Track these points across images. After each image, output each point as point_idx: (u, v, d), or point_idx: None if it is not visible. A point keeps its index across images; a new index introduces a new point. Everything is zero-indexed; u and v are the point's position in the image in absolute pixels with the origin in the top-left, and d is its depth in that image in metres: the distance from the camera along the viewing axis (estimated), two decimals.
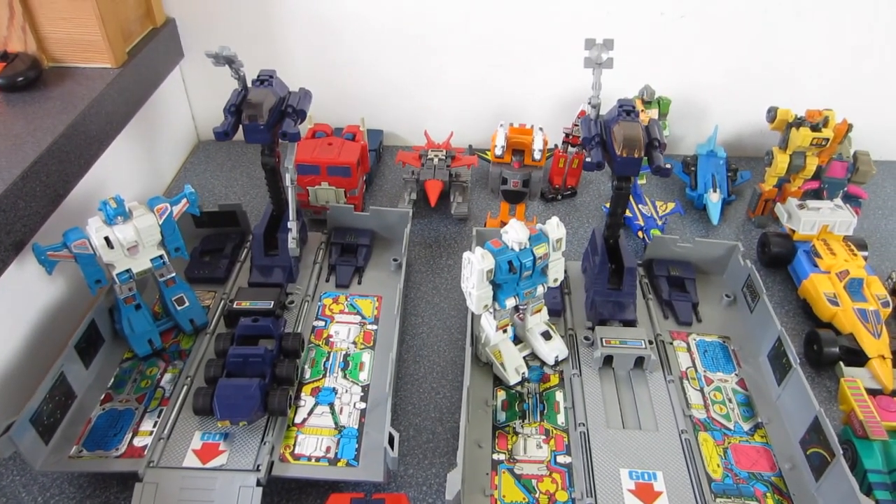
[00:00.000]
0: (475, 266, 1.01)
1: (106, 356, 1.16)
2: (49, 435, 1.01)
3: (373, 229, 1.43)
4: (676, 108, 1.69)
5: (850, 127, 1.50)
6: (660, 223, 1.48)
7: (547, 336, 1.18)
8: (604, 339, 1.16)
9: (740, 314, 1.28)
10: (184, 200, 1.19)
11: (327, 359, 1.17)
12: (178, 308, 1.18)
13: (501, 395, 1.13)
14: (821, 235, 1.38)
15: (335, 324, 1.24)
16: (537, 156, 1.33)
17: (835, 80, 1.67)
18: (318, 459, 1.00)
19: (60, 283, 1.23)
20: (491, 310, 1.09)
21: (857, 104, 1.56)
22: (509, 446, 1.04)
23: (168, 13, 1.62)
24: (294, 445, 1.02)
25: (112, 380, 1.13)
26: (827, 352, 1.19)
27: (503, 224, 1.30)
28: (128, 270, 1.11)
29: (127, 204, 1.10)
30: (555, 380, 1.16)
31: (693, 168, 1.64)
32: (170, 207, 1.15)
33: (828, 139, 1.41)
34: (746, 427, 1.08)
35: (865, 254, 1.35)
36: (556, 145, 1.64)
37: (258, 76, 1.21)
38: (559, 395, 1.13)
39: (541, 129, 1.36)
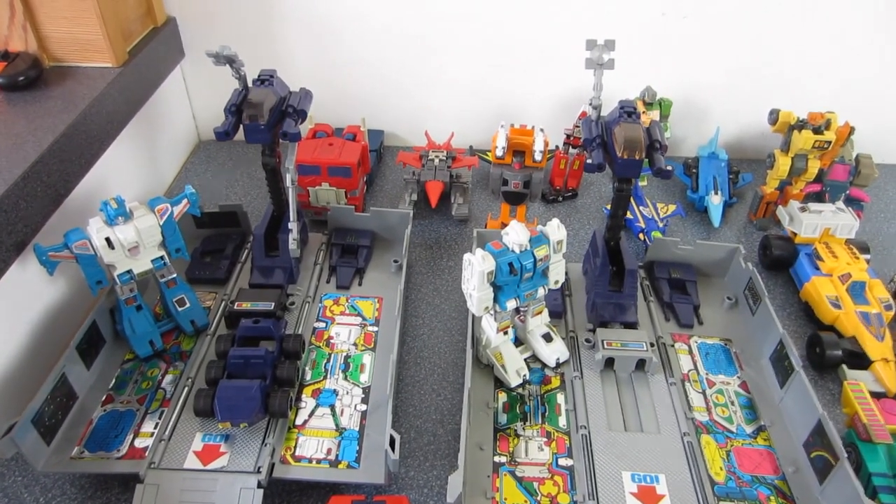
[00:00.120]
0: (476, 268, 1.01)
1: (107, 357, 1.16)
2: (51, 436, 1.00)
3: (373, 230, 1.43)
4: (678, 110, 1.69)
5: (852, 130, 1.50)
6: (661, 225, 1.48)
7: (548, 338, 1.18)
8: (605, 342, 1.15)
9: (742, 317, 1.28)
10: (184, 201, 1.18)
11: (328, 360, 1.17)
12: (179, 309, 1.18)
13: (503, 397, 1.13)
14: (822, 238, 1.37)
15: (336, 325, 1.24)
16: (538, 157, 1.33)
17: (837, 83, 1.67)
18: (318, 461, 1.00)
19: (61, 284, 1.23)
20: (492, 311, 1.09)
21: (860, 107, 1.56)
22: (511, 449, 1.04)
23: (169, 12, 1.61)
24: (295, 447, 1.02)
25: (113, 381, 1.13)
26: (829, 354, 1.19)
27: (504, 225, 1.29)
28: (129, 271, 1.11)
29: (128, 204, 1.10)
30: (556, 382, 1.15)
31: (694, 170, 1.64)
32: (170, 208, 1.14)
33: (830, 142, 1.41)
34: (749, 430, 1.08)
35: (868, 257, 1.35)
36: (556, 146, 1.64)
37: (259, 76, 1.21)
38: (560, 398, 1.13)
39: (542, 130, 1.36)
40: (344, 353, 1.18)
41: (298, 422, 1.06)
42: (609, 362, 1.16)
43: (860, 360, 1.18)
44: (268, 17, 1.64)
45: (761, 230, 1.57)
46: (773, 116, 1.49)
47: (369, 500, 0.89)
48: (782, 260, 1.41)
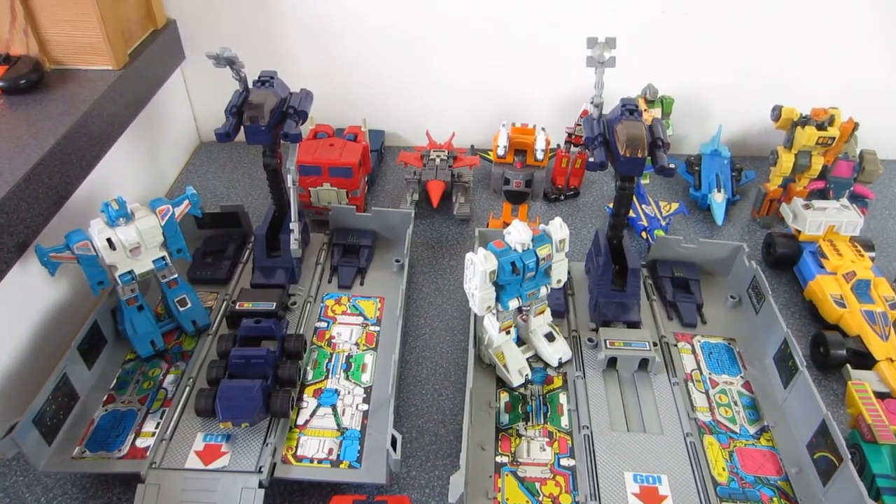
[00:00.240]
0: (478, 267, 1.00)
1: (108, 357, 1.16)
2: (52, 436, 1.01)
3: (375, 230, 1.43)
4: (680, 107, 1.68)
5: (856, 126, 1.49)
6: (663, 224, 1.47)
7: (550, 338, 1.17)
8: (607, 341, 1.15)
9: (745, 316, 1.27)
10: (186, 202, 1.18)
11: (329, 360, 1.17)
12: (181, 309, 1.18)
13: (504, 397, 1.12)
14: (827, 236, 1.37)
15: (337, 325, 1.24)
16: (540, 156, 1.32)
17: (841, 78, 1.66)
18: (320, 461, 1.00)
19: (63, 285, 1.23)
20: (494, 311, 1.09)
21: (864, 102, 1.55)
22: (513, 449, 1.04)
23: (169, 15, 1.61)
24: (296, 447, 1.02)
25: (115, 381, 1.13)
26: (834, 354, 1.18)
27: (506, 225, 1.29)
28: (130, 272, 1.11)
29: (129, 205, 1.10)
30: (558, 382, 1.15)
31: (697, 168, 1.63)
32: (172, 209, 1.14)
33: (833, 138, 1.40)
34: (752, 430, 1.08)
35: (872, 255, 1.34)
36: (558, 145, 1.64)
37: (259, 77, 1.21)
38: (563, 398, 1.12)
39: (543, 128, 1.35)
40: (345, 353, 1.18)
41: (300, 422, 1.06)
42: (612, 362, 1.15)
43: (865, 360, 1.17)
44: (268, 19, 1.64)
45: (765, 228, 1.56)
46: (776, 113, 1.48)
47: (371, 499, 0.89)
48: (786, 258, 1.40)
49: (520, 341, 1.19)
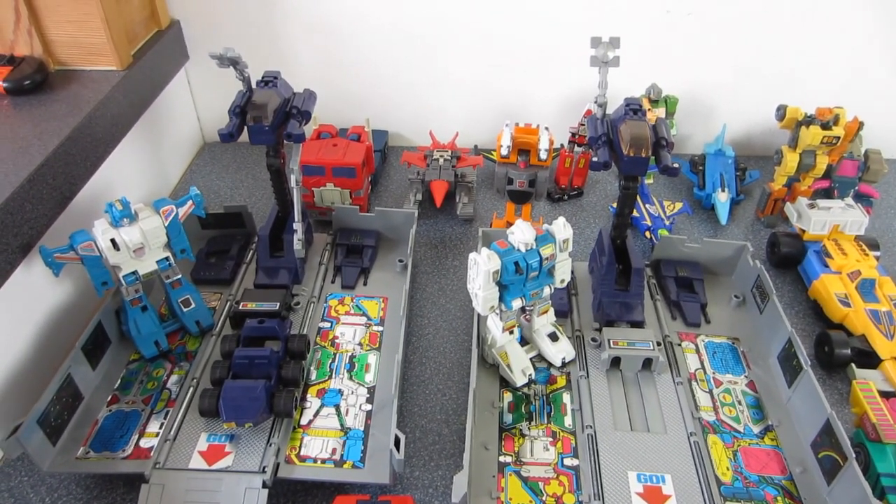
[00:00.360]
0: (481, 267, 1.00)
1: (112, 358, 1.16)
2: (56, 436, 1.01)
3: (378, 230, 1.43)
4: (684, 107, 1.68)
5: (861, 125, 1.48)
6: (667, 223, 1.47)
7: (554, 337, 1.17)
8: (611, 341, 1.15)
9: (749, 315, 1.27)
10: (189, 202, 1.19)
11: (333, 360, 1.17)
12: (185, 309, 1.18)
13: (508, 396, 1.12)
14: (831, 235, 1.36)
15: (341, 325, 1.24)
16: (543, 156, 1.33)
17: (845, 78, 1.66)
18: (323, 461, 1.00)
19: (67, 286, 1.23)
20: (497, 311, 1.09)
21: (869, 101, 1.54)
22: (516, 448, 1.04)
23: (173, 15, 1.62)
24: (300, 447, 1.02)
25: (119, 381, 1.13)
26: (838, 353, 1.18)
27: (509, 224, 1.29)
28: (134, 272, 1.11)
29: (133, 206, 1.10)
30: (562, 381, 1.15)
31: (701, 167, 1.63)
32: (175, 209, 1.15)
33: (838, 137, 1.40)
34: (756, 430, 1.07)
35: (877, 254, 1.34)
36: (561, 145, 1.64)
37: (263, 77, 1.21)
38: (566, 397, 1.12)
39: (546, 128, 1.36)
40: (349, 353, 1.18)
41: (303, 422, 1.06)
42: (615, 361, 1.15)
43: (869, 359, 1.16)
44: (271, 19, 1.64)
45: (769, 227, 1.56)
46: (781, 112, 1.48)
47: (374, 499, 0.89)
48: (790, 257, 1.40)
49: (523, 341, 1.19)
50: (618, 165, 1.12)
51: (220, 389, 1.02)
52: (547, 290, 1.10)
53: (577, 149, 1.62)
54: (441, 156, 1.58)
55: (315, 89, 1.27)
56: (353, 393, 1.11)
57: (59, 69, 1.36)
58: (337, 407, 1.09)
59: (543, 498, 0.97)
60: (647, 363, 1.15)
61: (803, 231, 1.39)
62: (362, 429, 1.05)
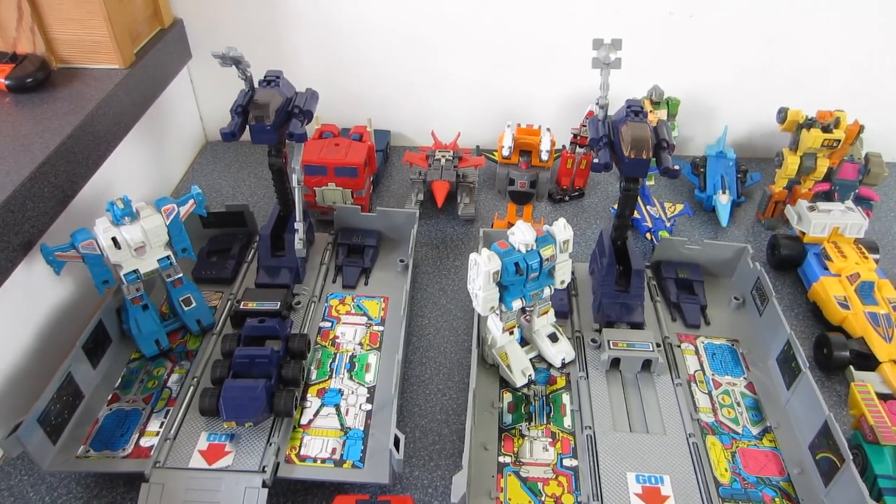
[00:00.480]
0: (481, 268, 1.01)
1: (113, 356, 1.16)
2: (56, 435, 1.01)
3: (379, 230, 1.43)
4: (685, 109, 1.68)
5: (861, 128, 1.48)
6: (668, 225, 1.47)
7: (554, 338, 1.17)
8: (611, 342, 1.15)
9: (749, 317, 1.27)
10: (191, 201, 1.19)
11: (333, 360, 1.17)
12: (185, 308, 1.19)
13: (508, 397, 1.12)
14: (831, 238, 1.36)
15: (341, 325, 1.24)
16: (545, 157, 1.33)
17: (846, 81, 1.66)
18: (323, 461, 1.00)
19: (68, 284, 1.23)
20: (497, 311, 1.09)
21: (869, 105, 1.54)
22: (515, 449, 1.04)
23: (176, 14, 1.62)
24: (300, 447, 1.02)
25: (119, 380, 1.13)
26: (837, 356, 1.18)
27: (510, 225, 1.29)
28: (135, 271, 1.12)
29: (134, 204, 1.10)
30: (561, 382, 1.15)
31: (702, 169, 1.63)
32: (177, 208, 1.15)
33: (839, 140, 1.40)
34: (755, 431, 1.07)
35: (877, 257, 1.34)
36: (563, 146, 1.64)
37: (265, 77, 1.21)
38: (566, 398, 1.12)
39: (548, 129, 1.35)
40: (349, 353, 1.19)
41: (303, 421, 1.06)
42: (615, 363, 1.15)
43: (868, 362, 1.16)
44: (274, 18, 1.64)
45: (769, 230, 1.56)
46: (782, 115, 1.48)
47: (374, 499, 0.89)
48: (790, 260, 1.40)
49: (523, 342, 1.19)
50: (619, 167, 1.12)
51: (220, 389, 1.02)
52: (547, 291, 1.11)
53: (578, 150, 1.62)
54: (443, 156, 1.58)
55: (317, 89, 1.27)
56: (353, 393, 1.11)
57: (62, 67, 1.37)
58: (337, 407, 1.09)
59: (542, 498, 0.97)
60: (647, 364, 1.15)
61: (803, 233, 1.39)
62: (362, 428, 1.05)
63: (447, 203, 1.53)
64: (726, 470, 1.01)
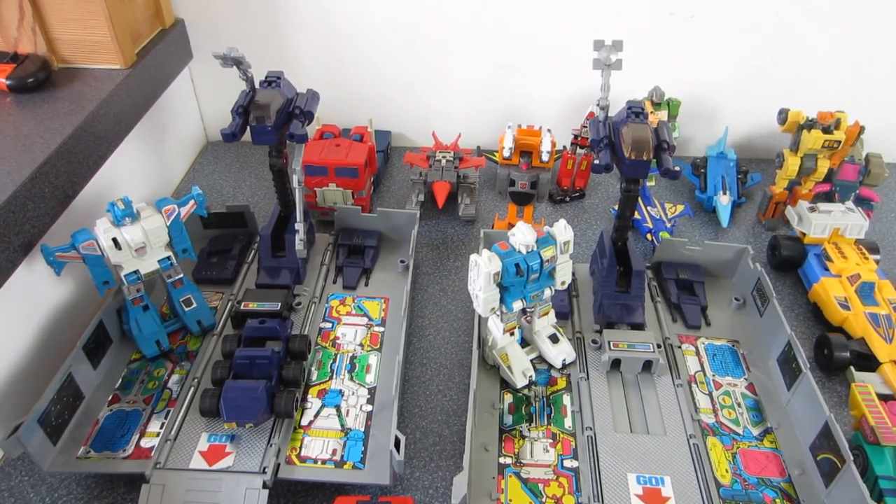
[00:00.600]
0: (482, 269, 1.01)
1: (114, 357, 1.16)
2: (57, 436, 1.01)
3: (380, 231, 1.43)
4: (686, 110, 1.68)
5: (862, 129, 1.48)
6: (669, 225, 1.47)
7: (554, 339, 1.17)
8: (612, 343, 1.15)
9: (750, 318, 1.27)
10: (191, 202, 1.19)
11: (334, 361, 1.17)
12: (186, 309, 1.19)
13: (508, 398, 1.12)
14: (832, 239, 1.36)
15: (342, 325, 1.24)
16: (545, 157, 1.33)
17: (847, 82, 1.66)
18: (324, 462, 1.00)
19: (69, 284, 1.23)
20: (498, 312, 1.09)
21: (870, 106, 1.54)
22: (516, 450, 1.04)
23: (177, 14, 1.62)
24: (300, 448, 1.02)
25: (120, 381, 1.13)
26: (838, 356, 1.18)
27: (511, 226, 1.29)
28: (136, 271, 1.12)
29: (135, 205, 1.10)
30: (562, 383, 1.15)
31: (703, 170, 1.63)
32: (177, 209, 1.15)
33: (839, 141, 1.40)
34: (756, 432, 1.07)
35: (877, 257, 1.34)
36: (564, 147, 1.64)
37: (266, 77, 1.21)
38: (566, 399, 1.12)
39: (549, 130, 1.35)
40: (350, 354, 1.18)
41: (304, 422, 1.06)
42: (615, 363, 1.15)
43: (868, 362, 1.16)
44: (275, 19, 1.64)
45: (770, 230, 1.56)
46: (782, 116, 1.48)
47: (374, 500, 0.89)
48: (791, 260, 1.40)
49: (524, 342, 1.19)
50: (619, 168, 1.12)
51: (220, 389, 1.02)
52: (548, 292, 1.11)
53: (579, 151, 1.62)
54: (443, 157, 1.59)
55: (318, 89, 1.27)
56: (353, 394, 1.11)
57: (63, 67, 1.37)
58: (337, 407, 1.09)
59: (543, 499, 0.97)
60: (648, 365, 1.15)
61: (804, 234, 1.39)
62: (363, 430, 1.05)
63: (448, 204, 1.53)
64: (727, 471, 1.01)
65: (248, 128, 1.17)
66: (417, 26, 1.64)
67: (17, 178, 1.05)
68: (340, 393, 1.11)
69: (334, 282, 1.35)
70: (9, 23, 1.28)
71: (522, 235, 1.02)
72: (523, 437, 1.06)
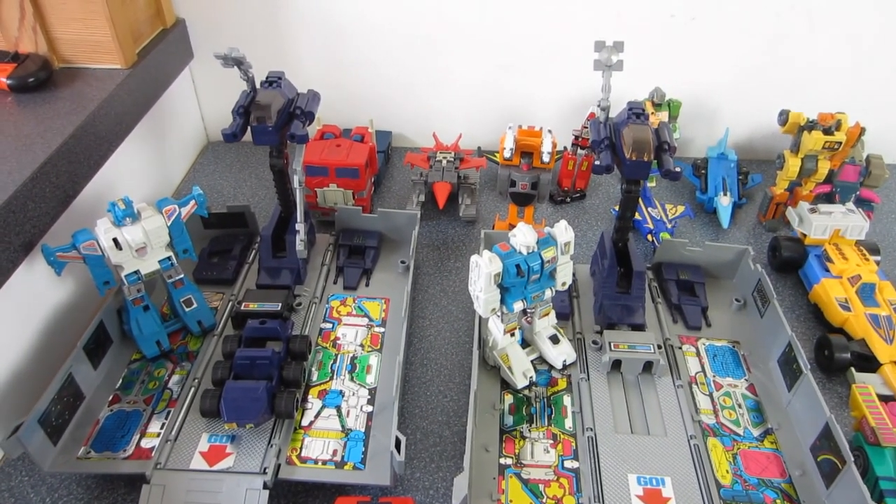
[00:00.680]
0: (482, 269, 1.01)
1: (114, 357, 1.16)
2: (57, 436, 1.01)
3: (381, 231, 1.43)
4: (687, 111, 1.68)
5: (862, 130, 1.48)
6: (669, 226, 1.47)
7: (555, 340, 1.17)
8: (612, 344, 1.15)
9: (750, 319, 1.27)
10: (192, 202, 1.19)
11: (334, 361, 1.17)
12: (187, 309, 1.19)
13: (509, 398, 1.12)
14: (832, 240, 1.36)
15: (342, 326, 1.24)
16: (546, 158, 1.33)
17: (848, 83, 1.66)
18: (324, 462, 1.00)
19: (69, 285, 1.23)
20: (498, 313, 1.09)
21: (871, 107, 1.54)
22: (516, 451, 1.04)
23: (178, 14, 1.62)
24: (301, 448, 1.02)
25: (120, 381, 1.13)
26: (838, 357, 1.18)
27: (511, 227, 1.29)
28: (136, 272, 1.12)
29: (135, 205, 1.10)
30: (562, 384, 1.15)
31: (703, 171, 1.63)
32: (178, 209, 1.15)
33: (840, 143, 1.40)
34: (756, 433, 1.07)
35: (878, 258, 1.34)
36: (565, 147, 1.64)
37: (267, 77, 1.21)
38: (567, 400, 1.12)
39: (550, 131, 1.36)
40: (350, 354, 1.18)
41: (304, 423, 1.06)
42: (616, 364, 1.15)
43: (869, 363, 1.16)
44: (276, 19, 1.64)
45: (771, 231, 1.56)
46: (783, 117, 1.48)
47: (375, 501, 0.89)
48: (792, 261, 1.40)
49: (524, 343, 1.19)
50: (620, 169, 1.12)
51: (221, 390, 1.02)
52: (548, 293, 1.11)
53: (580, 151, 1.62)
54: (444, 157, 1.58)
55: (319, 90, 1.27)
56: (354, 394, 1.11)
57: (64, 67, 1.37)
58: (338, 408, 1.09)
59: (543, 500, 0.97)
60: (648, 366, 1.15)
61: (804, 235, 1.39)
62: (363, 430, 1.05)
63: (448, 204, 1.53)
64: (727, 471, 1.01)
65: (249, 128, 1.17)
66: (418, 26, 1.64)
67: (17, 177, 1.05)
68: (341, 393, 1.11)
69: (335, 282, 1.34)
70: (10, 22, 1.29)
71: (523, 236, 1.02)
72: (524, 437, 1.06)
